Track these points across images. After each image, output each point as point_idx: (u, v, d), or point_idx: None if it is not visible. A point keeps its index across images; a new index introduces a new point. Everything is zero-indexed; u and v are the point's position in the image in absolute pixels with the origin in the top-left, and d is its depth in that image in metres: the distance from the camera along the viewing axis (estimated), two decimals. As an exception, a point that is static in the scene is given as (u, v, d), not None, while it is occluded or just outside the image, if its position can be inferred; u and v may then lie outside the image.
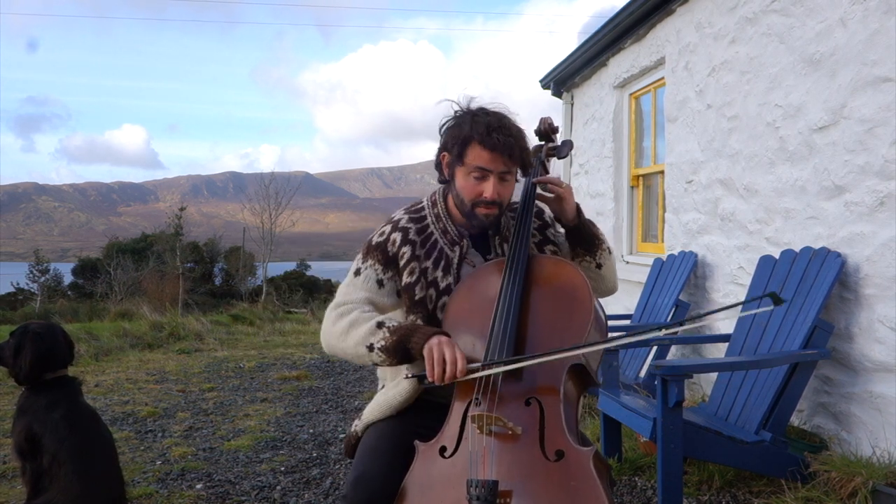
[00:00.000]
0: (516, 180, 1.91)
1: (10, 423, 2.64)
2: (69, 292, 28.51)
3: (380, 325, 1.75)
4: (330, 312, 1.85)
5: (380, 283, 1.88)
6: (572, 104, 7.45)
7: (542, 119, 2.12)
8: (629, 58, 5.77)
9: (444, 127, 1.90)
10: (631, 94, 6.06)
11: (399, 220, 1.94)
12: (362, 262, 1.90)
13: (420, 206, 1.98)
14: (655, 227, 5.82)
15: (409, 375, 1.72)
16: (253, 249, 28.36)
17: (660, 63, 5.29)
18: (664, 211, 5.16)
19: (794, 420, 3.41)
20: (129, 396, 5.41)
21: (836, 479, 2.70)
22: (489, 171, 1.80)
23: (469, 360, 1.68)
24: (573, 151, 7.39)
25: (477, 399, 1.65)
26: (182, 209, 25.44)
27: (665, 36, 5.10)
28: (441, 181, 1.97)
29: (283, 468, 3.66)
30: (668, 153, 5.03)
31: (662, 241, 5.28)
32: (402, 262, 1.88)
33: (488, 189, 1.80)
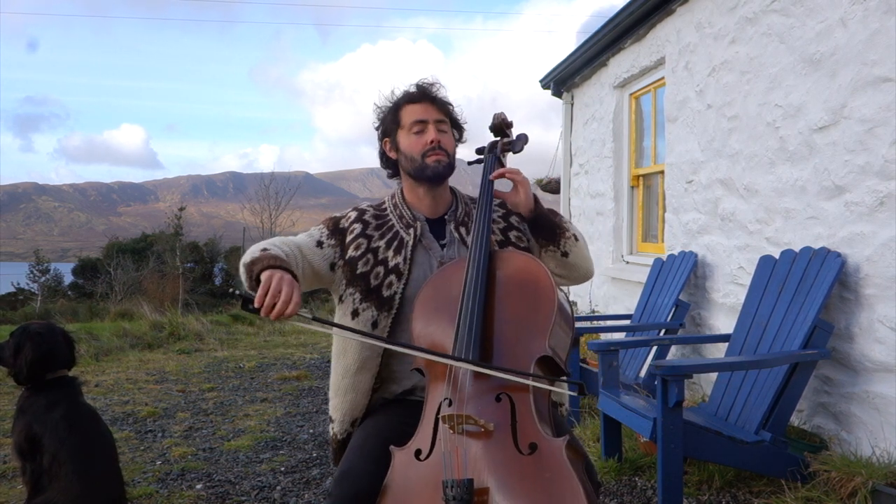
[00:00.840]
0: (455, 139, 2.02)
1: (10, 423, 2.64)
2: (69, 292, 28.49)
3: (265, 249, 1.77)
4: None
5: (319, 244, 1.96)
6: (572, 104, 7.46)
7: (494, 114, 2.13)
8: (629, 58, 5.77)
9: (376, 121, 2.06)
10: (631, 94, 6.06)
11: (360, 204, 2.09)
12: (315, 227, 2.04)
13: (382, 200, 2.11)
14: (655, 227, 5.82)
15: (235, 292, 1.65)
16: (253, 249, 28.29)
17: (660, 63, 5.29)
18: (664, 211, 5.16)
19: (794, 420, 3.41)
20: (129, 396, 5.41)
21: (836, 479, 2.71)
22: (425, 122, 1.94)
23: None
24: (573, 151, 7.39)
25: (448, 399, 1.65)
26: (182, 209, 25.41)
27: (665, 36, 5.10)
28: (391, 175, 2.09)
29: (283, 468, 3.66)
30: (669, 153, 5.03)
31: (662, 241, 5.29)
32: (349, 237, 1.97)
33: (430, 134, 1.93)
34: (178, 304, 16.47)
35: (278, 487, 3.38)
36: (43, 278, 30.92)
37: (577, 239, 1.97)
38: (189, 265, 25.69)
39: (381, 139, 2.05)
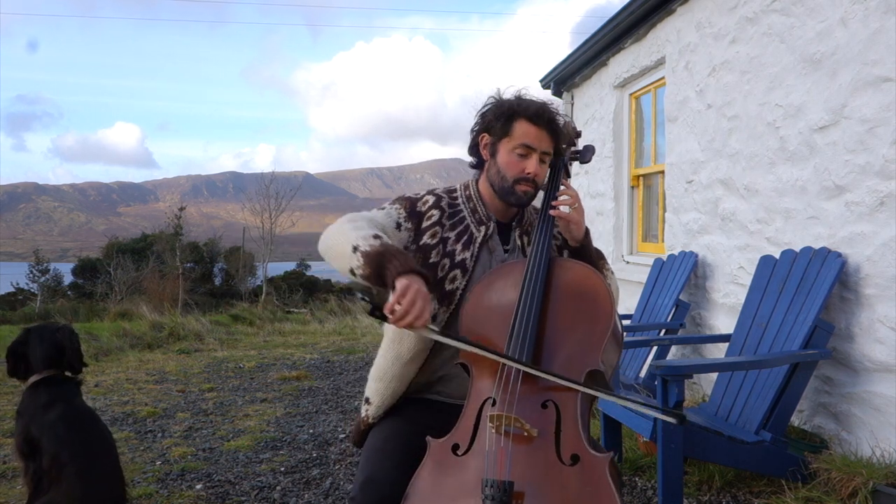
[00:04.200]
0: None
1: (11, 423, 2.64)
2: (69, 292, 28.50)
3: (377, 236, 1.67)
4: (341, 218, 1.82)
5: (398, 226, 1.87)
6: (572, 104, 7.45)
7: (565, 122, 2.09)
8: (629, 58, 5.77)
9: (485, 109, 1.93)
10: (631, 94, 6.06)
11: (435, 189, 1.99)
12: (389, 205, 1.93)
13: (454, 187, 2.02)
14: (655, 227, 5.82)
15: (363, 298, 1.58)
16: (253, 249, 28.36)
17: (660, 63, 5.29)
18: (664, 211, 5.16)
19: (795, 420, 3.40)
20: (128, 396, 5.41)
21: (836, 479, 2.70)
22: (533, 149, 1.85)
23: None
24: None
25: (493, 399, 1.64)
26: (182, 209, 25.43)
27: (665, 36, 5.10)
28: (474, 165, 2.00)
29: (283, 468, 3.66)
30: (669, 153, 5.03)
31: (663, 241, 5.28)
32: (426, 223, 1.90)
33: (531, 165, 1.85)
34: (177, 304, 16.47)
35: (278, 487, 3.38)
36: (43, 278, 30.95)
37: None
38: (189, 265, 25.71)
39: (479, 131, 1.94)
